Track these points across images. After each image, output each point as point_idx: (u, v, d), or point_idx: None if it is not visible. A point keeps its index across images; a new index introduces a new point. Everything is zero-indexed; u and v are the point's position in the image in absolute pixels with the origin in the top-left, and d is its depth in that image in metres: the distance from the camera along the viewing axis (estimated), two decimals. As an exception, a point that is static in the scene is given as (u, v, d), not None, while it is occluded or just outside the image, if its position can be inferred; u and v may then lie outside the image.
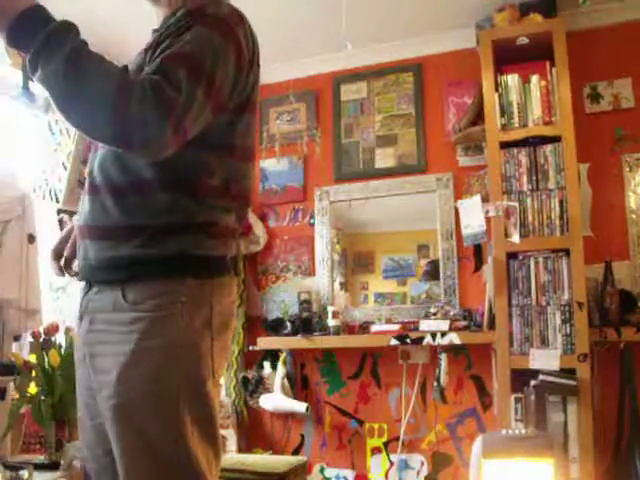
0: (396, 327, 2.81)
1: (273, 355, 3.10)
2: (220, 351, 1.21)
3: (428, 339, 2.67)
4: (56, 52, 0.97)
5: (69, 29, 1.00)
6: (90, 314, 1.20)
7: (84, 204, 1.24)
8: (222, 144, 1.20)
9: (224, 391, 3.10)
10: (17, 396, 2.19)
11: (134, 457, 1.11)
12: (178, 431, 1.11)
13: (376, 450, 2.95)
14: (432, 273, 3.02)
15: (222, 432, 2.93)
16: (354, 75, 3.25)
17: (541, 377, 2.32)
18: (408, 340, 2.71)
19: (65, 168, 2.48)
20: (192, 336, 1.15)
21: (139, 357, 1.11)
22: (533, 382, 2.33)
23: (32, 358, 2.28)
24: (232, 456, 2.74)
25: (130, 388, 1.11)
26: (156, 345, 1.12)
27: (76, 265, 1.30)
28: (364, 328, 2.96)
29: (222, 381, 3.14)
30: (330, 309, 2.94)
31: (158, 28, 1.27)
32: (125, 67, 1.24)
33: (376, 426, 2.96)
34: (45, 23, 0.99)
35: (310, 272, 3.19)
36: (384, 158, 3.14)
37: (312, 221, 3.22)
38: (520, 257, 2.48)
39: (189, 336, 1.15)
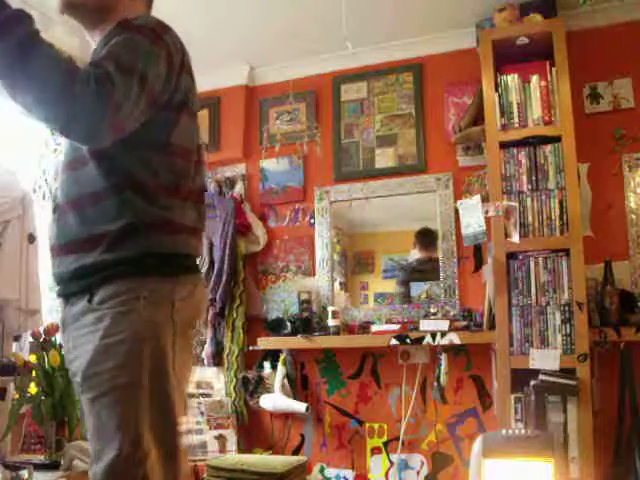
0: (396, 327, 2.81)
1: (273, 355, 3.10)
2: (182, 347, 1.27)
3: (428, 339, 2.67)
4: (11, 33, 1.04)
5: (25, 16, 1.08)
6: (67, 327, 1.30)
7: (51, 226, 1.34)
8: (161, 143, 1.28)
9: (224, 391, 3.10)
10: (17, 396, 2.19)
11: (100, 443, 1.18)
12: (136, 425, 1.16)
13: (376, 450, 2.95)
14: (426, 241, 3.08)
15: (222, 432, 2.93)
16: (354, 75, 3.25)
17: (541, 377, 2.32)
18: (408, 340, 2.71)
19: (65, 168, 2.48)
20: (153, 329, 1.21)
21: (103, 352, 1.18)
22: (533, 382, 2.33)
23: (32, 358, 2.28)
24: (232, 456, 2.74)
25: (96, 383, 1.18)
26: (118, 340, 1.18)
27: None
28: (364, 328, 2.96)
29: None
30: (330, 309, 2.95)
31: (96, 48, 1.35)
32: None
33: (376, 426, 2.96)
34: (2, 7, 1.07)
35: (310, 272, 3.19)
36: (384, 158, 3.14)
37: (312, 221, 3.22)
38: (520, 257, 2.47)
39: (150, 329, 1.21)
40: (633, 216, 2.68)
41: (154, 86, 1.21)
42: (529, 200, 2.49)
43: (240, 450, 2.98)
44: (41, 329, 2.33)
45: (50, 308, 2.64)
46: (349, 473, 2.98)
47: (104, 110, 1.09)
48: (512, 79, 2.56)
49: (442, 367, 2.70)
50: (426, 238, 3.08)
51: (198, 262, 1.40)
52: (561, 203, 2.45)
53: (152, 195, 1.25)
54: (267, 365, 3.10)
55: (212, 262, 3.17)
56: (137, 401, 1.17)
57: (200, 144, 1.42)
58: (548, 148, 2.50)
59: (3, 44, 1.03)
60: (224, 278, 3.09)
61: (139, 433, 1.17)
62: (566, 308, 2.38)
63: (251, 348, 3.11)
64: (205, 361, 3.16)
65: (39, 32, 1.09)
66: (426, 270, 3.04)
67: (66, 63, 1.08)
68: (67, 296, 1.30)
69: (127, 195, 1.23)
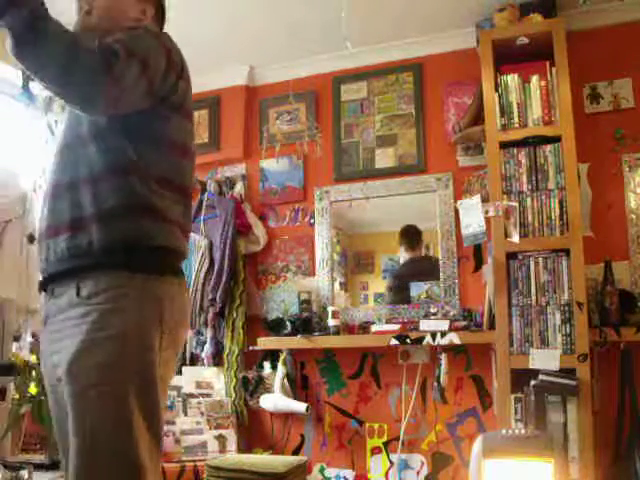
0: (396, 327, 2.81)
1: (273, 355, 3.10)
2: (167, 347, 1.28)
3: (428, 339, 2.66)
4: (26, 4, 1.11)
5: None
6: (50, 318, 1.29)
7: (42, 214, 1.34)
8: (159, 136, 1.33)
9: (224, 391, 3.10)
10: (17, 396, 2.19)
11: (80, 443, 1.16)
12: (124, 421, 1.17)
13: (376, 450, 2.95)
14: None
15: (222, 432, 2.93)
16: (354, 75, 3.25)
17: (541, 377, 2.32)
18: (408, 340, 2.71)
19: (65, 168, 2.48)
20: (141, 329, 1.22)
21: (88, 347, 1.18)
22: (533, 382, 2.33)
23: (32, 358, 2.28)
24: (232, 456, 2.74)
25: (80, 378, 1.17)
26: (105, 336, 1.19)
27: None
28: (364, 328, 2.96)
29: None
30: (330, 309, 2.94)
31: None
32: None
33: (376, 426, 2.96)
34: None
35: (310, 272, 3.19)
36: (384, 158, 3.14)
37: (312, 221, 3.22)
38: (520, 257, 2.47)
39: (138, 329, 1.22)
40: (633, 216, 2.68)
41: (154, 76, 1.26)
42: (529, 200, 2.49)
43: (240, 450, 2.98)
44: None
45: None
46: (349, 473, 2.98)
47: (103, 77, 1.15)
48: (512, 79, 2.56)
49: (442, 367, 2.70)
50: (410, 237, 3.08)
51: (183, 265, 1.41)
52: (561, 203, 2.45)
53: (147, 182, 1.28)
54: (267, 365, 3.10)
55: (212, 262, 3.17)
56: (124, 399, 1.17)
57: (195, 149, 1.47)
58: (548, 148, 2.50)
59: (17, 11, 1.09)
60: (224, 278, 3.09)
61: (135, 439, 1.17)
62: (566, 308, 2.38)
63: (251, 348, 3.11)
64: (205, 361, 3.16)
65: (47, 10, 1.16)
66: (417, 272, 3.04)
67: (74, 33, 1.18)
68: (52, 284, 1.30)
69: (123, 178, 1.26)
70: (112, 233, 1.25)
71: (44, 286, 1.33)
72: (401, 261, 3.12)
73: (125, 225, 1.25)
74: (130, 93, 1.22)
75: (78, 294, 1.23)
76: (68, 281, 1.25)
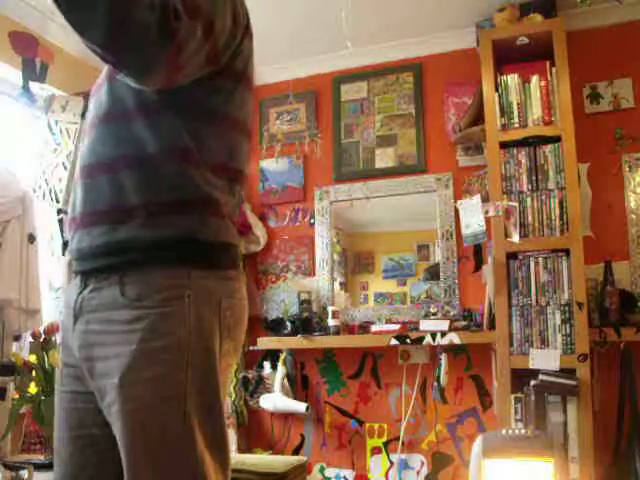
0: (396, 327, 2.81)
1: (273, 355, 3.10)
2: (227, 351, 1.13)
3: (428, 339, 2.66)
4: None
5: None
6: (86, 315, 1.10)
7: (75, 194, 1.16)
8: (217, 112, 1.13)
9: (224, 391, 3.10)
10: (17, 396, 2.19)
11: (139, 464, 1.03)
12: (186, 439, 1.03)
13: (376, 450, 2.95)
14: (431, 276, 3.02)
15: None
16: (354, 75, 3.25)
17: (541, 377, 2.32)
18: (408, 340, 2.71)
19: (65, 168, 2.48)
20: (200, 334, 1.06)
21: (143, 359, 1.02)
22: (533, 382, 2.33)
23: (32, 358, 2.27)
24: (232, 456, 2.73)
25: (135, 393, 1.02)
26: (161, 346, 1.03)
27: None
28: (364, 328, 2.96)
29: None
30: (330, 309, 2.94)
31: None
32: None
33: (376, 426, 2.96)
34: None
35: (310, 272, 3.19)
36: (384, 158, 3.14)
37: (312, 221, 3.22)
38: (520, 257, 2.47)
39: (197, 334, 1.06)
40: (633, 216, 2.68)
41: (219, 38, 1.04)
42: (529, 200, 2.49)
43: (240, 450, 2.98)
44: (41, 329, 2.32)
45: (50, 308, 2.64)
46: (349, 473, 2.98)
47: (166, 42, 0.92)
48: (512, 79, 2.56)
49: (442, 367, 2.70)
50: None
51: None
52: (561, 203, 2.45)
53: (203, 171, 1.09)
54: (267, 365, 3.10)
55: (212, 262, 3.17)
56: (186, 415, 1.03)
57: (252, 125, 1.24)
58: (548, 148, 2.50)
59: None
60: (224, 278, 3.09)
61: (200, 456, 1.04)
62: (566, 308, 2.38)
63: (251, 348, 3.11)
64: (205, 361, 3.15)
65: None
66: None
67: None
68: (87, 275, 1.11)
69: (177, 165, 1.07)
70: (163, 229, 1.06)
71: (77, 271, 1.15)
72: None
73: (181, 221, 1.07)
74: (192, 62, 1.00)
75: (123, 293, 1.05)
76: (108, 275, 1.08)
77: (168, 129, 1.07)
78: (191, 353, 1.04)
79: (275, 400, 2.95)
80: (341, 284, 3.18)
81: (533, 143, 2.52)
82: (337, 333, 2.89)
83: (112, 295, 1.06)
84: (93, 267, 1.10)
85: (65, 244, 1.31)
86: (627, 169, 2.72)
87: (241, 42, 1.13)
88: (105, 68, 1.16)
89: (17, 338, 2.37)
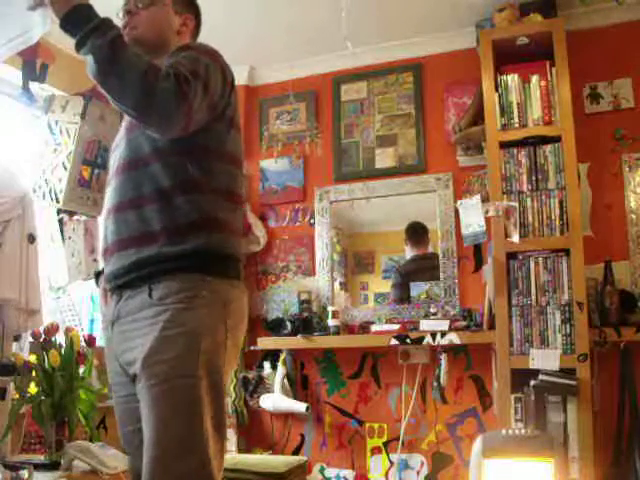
0: (396, 327, 2.81)
1: (273, 355, 3.10)
2: (231, 348, 1.35)
3: (428, 339, 2.67)
4: (105, 33, 1.22)
5: (113, 22, 1.27)
6: (121, 319, 1.36)
7: (106, 229, 1.42)
8: (218, 150, 1.41)
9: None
10: (17, 396, 2.19)
11: (153, 435, 1.23)
12: (196, 414, 1.23)
13: (376, 450, 2.95)
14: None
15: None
16: (354, 75, 3.25)
17: (541, 377, 2.32)
18: (408, 340, 2.71)
19: (65, 168, 2.48)
20: (210, 327, 1.29)
21: (163, 343, 1.25)
22: (533, 382, 2.33)
23: (32, 358, 2.27)
24: (232, 456, 2.74)
25: (156, 371, 1.24)
26: (178, 332, 1.26)
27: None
28: (364, 328, 2.96)
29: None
30: (330, 309, 2.94)
31: None
32: None
33: (376, 426, 2.96)
34: (95, 15, 1.25)
35: (310, 272, 3.19)
36: (384, 158, 3.14)
37: (312, 221, 3.22)
38: (520, 257, 2.47)
39: (207, 326, 1.29)
40: (633, 216, 2.68)
41: (214, 94, 1.35)
42: (529, 200, 2.49)
43: (240, 450, 2.98)
44: (41, 329, 2.32)
45: (50, 308, 2.64)
46: (349, 473, 2.98)
47: (182, 102, 1.23)
48: (512, 79, 2.56)
49: (442, 367, 2.70)
50: (416, 234, 3.08)
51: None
52: (561, 203, 2.45)
53: (211, 197, 1.36)
54: (267, 365, 3.10)
55: (212, 262, 3.17)
56: (197, 392, 1.24)
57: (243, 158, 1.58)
58: (548, 148, 2.50)
59: (99, 41, 1.20)
60: (224, 278, 3.09)
61: (206, 431, 1.23)
62: (566, 308, 2.38)
63: (251, 348, 3.11)
64: (205, 361, 3.16)
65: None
66: (423, 269, 3.04)
67: (149, 62, 1.25)
68: (122, 289, 1.36)
69: (189, 195, 1.33)
70: (180, 246, 1.31)
71: (113, 288, 1.40)
72: (407, 258, 3.12)
73: (194, 239, 1.32)
74: (198, 114, 1.30)
75: (150, 296, 1.30)
76: (139, 284, 1.32)
77: (177, 167, 1.34)
78: (203, 340, 1.27)
79: (275, 400, 2.96)
80: (341, 284, 3.18)
81: (533, 143, 2.52)
82: (337, 333, 2.89)
83: (142, 299, 1.31)
84: (126, 281, 1.35)
85: (97, 275, 1.55)
86: (627, 169, 2.71)
87: (229, 95, 1.43)
88: (122, 129, 1.47)
89: (17, 338, 2.37)
